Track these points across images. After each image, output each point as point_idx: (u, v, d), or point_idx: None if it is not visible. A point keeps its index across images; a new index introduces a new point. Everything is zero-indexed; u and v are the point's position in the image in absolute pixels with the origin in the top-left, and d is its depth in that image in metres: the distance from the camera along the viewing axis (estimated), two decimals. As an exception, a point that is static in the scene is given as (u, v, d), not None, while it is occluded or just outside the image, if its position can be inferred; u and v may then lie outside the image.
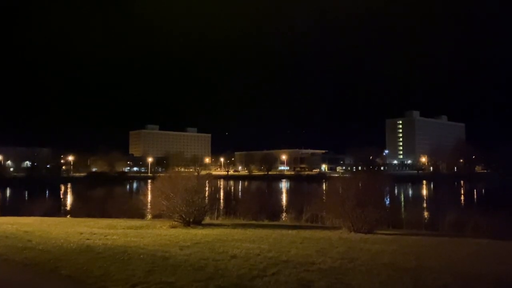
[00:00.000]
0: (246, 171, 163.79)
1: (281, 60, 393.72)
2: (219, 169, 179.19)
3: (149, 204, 20.83)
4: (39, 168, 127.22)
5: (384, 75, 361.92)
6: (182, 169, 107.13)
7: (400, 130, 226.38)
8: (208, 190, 18.84)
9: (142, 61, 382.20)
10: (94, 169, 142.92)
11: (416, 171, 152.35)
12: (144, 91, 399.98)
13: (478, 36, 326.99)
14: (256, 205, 24.21)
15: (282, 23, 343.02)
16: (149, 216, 22.83)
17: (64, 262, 8.60)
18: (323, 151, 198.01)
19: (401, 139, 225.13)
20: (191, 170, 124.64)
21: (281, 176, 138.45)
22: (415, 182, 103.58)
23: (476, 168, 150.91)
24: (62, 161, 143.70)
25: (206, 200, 17.71)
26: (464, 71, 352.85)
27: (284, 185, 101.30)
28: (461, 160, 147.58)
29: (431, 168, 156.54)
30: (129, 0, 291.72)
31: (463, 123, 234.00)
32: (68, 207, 42.63)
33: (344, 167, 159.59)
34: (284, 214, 26.40)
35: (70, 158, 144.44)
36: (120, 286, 6.79)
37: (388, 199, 18.33)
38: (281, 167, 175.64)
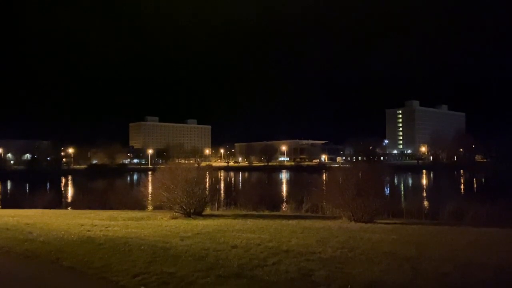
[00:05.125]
0: (246, 162, 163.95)
1: (281, 50, 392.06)
2: (219, 160, 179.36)
3: (149, 195, 20.85)
4: (39, 160, 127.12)
5: (384, 65, 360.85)
6: (183, 161, 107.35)
7: (400, 120, 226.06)
8: (208, 181, 18.86)
9: (142, 53, 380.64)
10: (94, 161, 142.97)
11: (416, 161, 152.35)
12: (144, 83, 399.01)
13: (478, 25, 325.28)
14: (257, 195, 24.29)
15: (281, 12, 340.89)
16: (150, 208, 22.89)
17: (65, 253, 8.64)
18: (323, 142, 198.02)
19: (401, 129, 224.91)
20: (191, 161, 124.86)
21: (281, 167, 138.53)
22: (415, 171, 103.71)
23: (476, 158, 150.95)
24: (62, 153, 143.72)
25: (207, 191, 17.74)
26: (464, 61, 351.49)
27: (284, 175, 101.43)
28: (461, 150, 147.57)
29: (431, 157, 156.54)
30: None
31: (463, 113, 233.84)
32: (69, 199, 42.69)
33: (344, 158, 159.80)
34: (284, 205, 26.48)
35: (70, 150, 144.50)
36: (121, 277, 6.82)
37: (388, 189, 18.36)
38: (281, 158, 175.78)
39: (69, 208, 27.92)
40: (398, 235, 11.24)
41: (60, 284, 6.99)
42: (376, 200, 14.95)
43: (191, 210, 16.19)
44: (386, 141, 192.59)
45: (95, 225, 13.25)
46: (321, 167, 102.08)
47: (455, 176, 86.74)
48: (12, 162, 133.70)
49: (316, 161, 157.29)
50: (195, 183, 16.52)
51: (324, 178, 29.72)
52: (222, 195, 29.21)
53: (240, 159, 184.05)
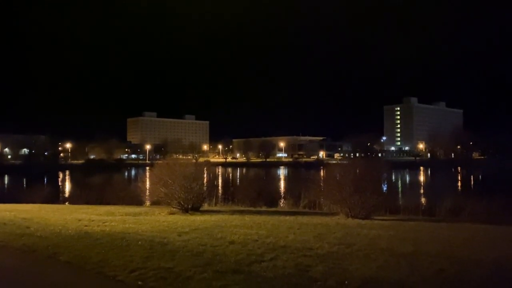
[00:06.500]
0: (244, 158, 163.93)
1: (279, 47, 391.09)
2: (217, 156, 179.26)
3: (147, 191, 20.84)
4: (37, 155, 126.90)
5: (383, 62, 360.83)
6: (180, 156, 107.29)
7: (398, 117, 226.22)
8: (206, 177, 18.85)
9: (140, 49, 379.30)
10: (92, 156, 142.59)
11: (413, 158, 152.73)
12: (142, 78, 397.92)
13: (476, 22, 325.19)
14: (254, 191, 24.30)
15: (280, 9, 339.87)
16: (148, 203, 22.89)
17: (62, 248, 8.62)
18: (321, 138, 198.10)
19: (399, 126, 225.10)
20: (189, 157, 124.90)
21: (279, 163, 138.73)
22: (413, 168, 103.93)
23: (473, 155, 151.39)
24: (60, 148, 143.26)
25: (204, 187, 17.74)
26: (463, 58, 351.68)
27: (282, 172, 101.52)
28: (459, 147, 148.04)
29: (429, 154, 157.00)
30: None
31: (461, 110, 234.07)
32: (67, 194, 42.63)
33: (342, 154, 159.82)
34: (282, 201, 26.53)
35: (68, 145, 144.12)
36: (119, 272, 6.81)
37: (386, 185, 18.38)
38: (279, 154, 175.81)
39: (66, 203, 27.85)
40: (395, 232, 11.27)
41: (57, 279, 6.98)
42: (373, 196, 14.98)
43: (189, 206, 16.19)
44: (384, 138, 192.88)
45: (93, 220, 13.23)
46: (319, 163, 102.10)
47: (452, 173, 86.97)
48: (9, 156, 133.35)
49: (314, 157, 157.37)
50: (193, 179, 16.52)
51: (321, 174, 29.76)
52: (220, 191, 29.24)
53: (238, 155, 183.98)
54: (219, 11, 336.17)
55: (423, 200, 27.39)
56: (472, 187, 56.59)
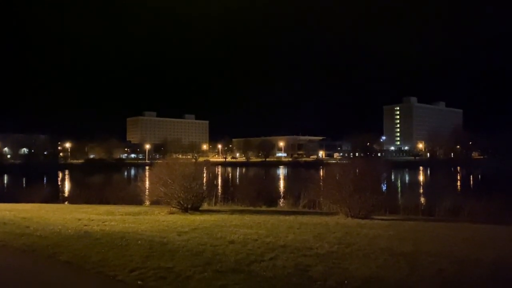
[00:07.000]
0: (244, 157, 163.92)
1: (279, 47, 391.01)
2: (217, 155, 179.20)
3: (147, 190, 20.82)
4: (36, 154, 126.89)
5: (383, 62, 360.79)
6: (180, 156, 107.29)
7: (398, 117, 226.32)
8: (206, 176, 18.82)
9: (140, 48, 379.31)
10: (91, 156, 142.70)
11: (413, 157, 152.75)
12: (142, 78, 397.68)
13: (476, 21, 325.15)
14: (254, 191, 24.27)
15: (280, 9, 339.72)
16: (147, 203, 22.84)
17: (62, 248, 8.62)
18: (321, 138, 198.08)
19: (398, 126, 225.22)
20: (189, 156, 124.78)
21: (278, 163, 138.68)
22: (412, 168, 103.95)
23: (473, 154, 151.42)
24: (59, 148, 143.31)
25: (204, 187, 17.70)
26: (462, 58, 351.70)
27: (281, 171, 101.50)
28: (458, 146, 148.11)
29: (428, 154, 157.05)
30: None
31: (460, 110, 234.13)
32: (66, 194, 42.60)
33: (341, 154, 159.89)
34: (281, 200, 26.52)
35: (68, 145, 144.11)
36: (118, 271, 6.81)
37: (385, 185, 18.37)
38: (279, 154, 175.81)
39: (66, 203, 27.83)
40: (394, 231, 11.27)
41: (57, 279, 6.98)
42: (373, 196, 14.96)
43: (189, 205, 16.17)
44: (384, 138, 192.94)
45: (92, 220, 13.22)
46: (319, 163, 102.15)
47: (451, 173, 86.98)
48: (9, 156, 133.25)
49: (313, 157, 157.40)
50: (193, 178, 16.49)
51: (321, 174, 29.75)
52: (220, 191, 29.24)
53: (237, 154, 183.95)
54: (219, 11, 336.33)
55: (422, 200, 27.36)
56: (471, 187, 56.63)
